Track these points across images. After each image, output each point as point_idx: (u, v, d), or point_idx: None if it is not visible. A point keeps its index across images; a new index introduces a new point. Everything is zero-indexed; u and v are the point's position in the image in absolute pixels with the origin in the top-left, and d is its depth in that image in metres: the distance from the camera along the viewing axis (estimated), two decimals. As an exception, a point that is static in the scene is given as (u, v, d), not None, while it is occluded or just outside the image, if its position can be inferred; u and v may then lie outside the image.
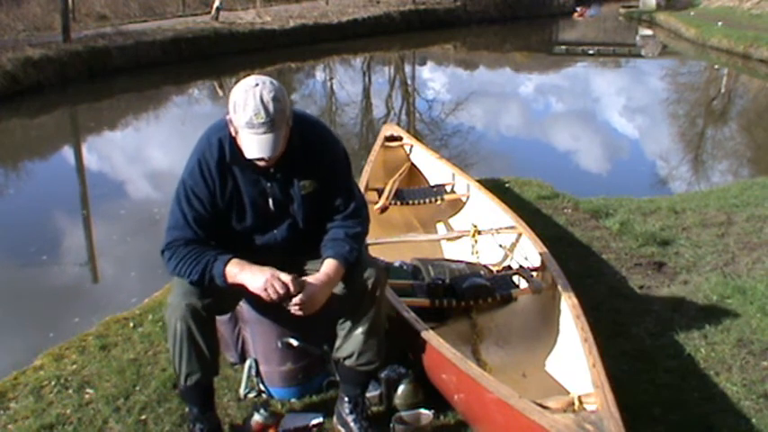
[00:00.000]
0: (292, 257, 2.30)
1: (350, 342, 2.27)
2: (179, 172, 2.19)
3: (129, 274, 4.97)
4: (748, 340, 2.99)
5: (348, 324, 2.26)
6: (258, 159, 2.05)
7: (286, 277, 2.06)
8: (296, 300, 2.07)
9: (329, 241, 2.22)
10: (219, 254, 2.12)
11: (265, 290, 2.05)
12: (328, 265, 2.16)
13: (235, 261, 2.10)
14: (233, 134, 2.08)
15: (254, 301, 2.31)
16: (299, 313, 2.11)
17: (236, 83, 2.10)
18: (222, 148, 2.13)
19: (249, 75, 2.15)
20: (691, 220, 4.61)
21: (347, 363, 2.31)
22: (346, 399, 2.39)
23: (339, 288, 2.22)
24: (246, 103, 1.98)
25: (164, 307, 2.50)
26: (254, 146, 2.01)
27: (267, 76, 2.07)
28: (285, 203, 2.21)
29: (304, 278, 2.12)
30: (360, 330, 2.25)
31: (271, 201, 2.20)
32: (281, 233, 2.26)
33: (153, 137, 10.45)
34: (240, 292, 2.15)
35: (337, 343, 2.31)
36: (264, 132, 1.99)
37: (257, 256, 2.23)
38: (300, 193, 2.20)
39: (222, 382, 2.66)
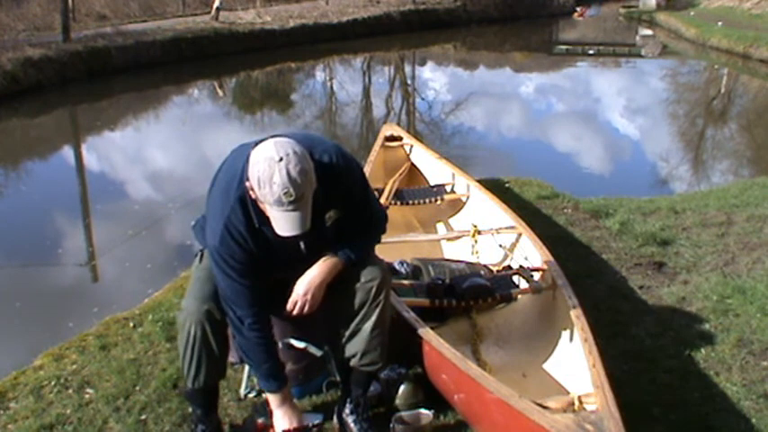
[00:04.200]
0: None
1: (354, 342, 2.27)
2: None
3: (129, 274, 4.98)
4: (748, 340, 3.00)
5: (353, 324, 2.25)
6: (291, 237, 1.97)
7: None
8: (290, 302, 2.08)
9: (338, 243, 2.22)
10: (276, 373, 2.21)
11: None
12: (325, 259, 2.17)
13: (278, 395, 2.22)
14: (253, 198, 1.97)
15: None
16: (297, 312, 2.13)
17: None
18: (247, 211, 2.03)
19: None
20: (691, 220, 4.61)
21: (351, 363, 2.31)
22: (347, 399, 2.39)
23: (343, 288, 2.22)
24: (273, 180, 1.85)
25: (177, 310, 2.50)
26: (285, 225, 1.93)
27: (285, 139, 1.93)
28: (316, 240, 2.17)
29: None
30: (364, 331, 2.24)
31: (302, 244, 2.16)
32: (310, 262, 2.23)
33: (153, 137, 10.44)
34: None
35: (342, 343, 2.31)
36: (295, 209, 1.89)
37: (282, 275, 2.24)
38: (327, 224, 2.17)
39: (222, 382, 2.64)
